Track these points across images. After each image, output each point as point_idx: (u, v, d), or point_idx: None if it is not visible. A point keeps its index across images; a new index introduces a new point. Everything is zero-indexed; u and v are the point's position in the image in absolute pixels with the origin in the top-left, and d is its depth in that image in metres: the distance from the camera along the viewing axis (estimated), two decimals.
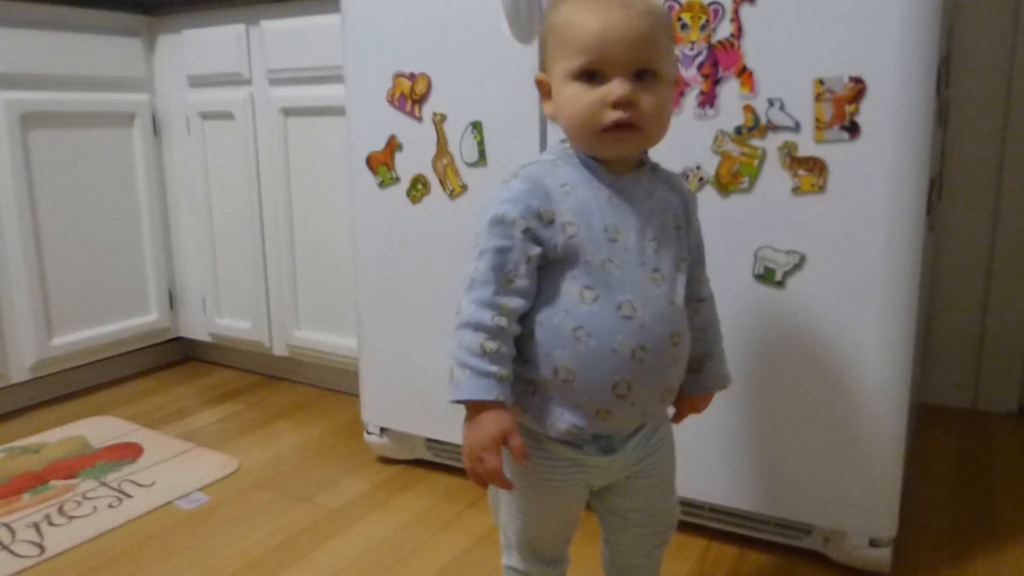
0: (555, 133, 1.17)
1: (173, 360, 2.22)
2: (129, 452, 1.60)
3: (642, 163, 0.83)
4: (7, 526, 1.31)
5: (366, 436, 1.56)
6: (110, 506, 1.38)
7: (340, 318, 1.81)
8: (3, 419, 1.81)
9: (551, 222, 0.76)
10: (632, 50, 0.74)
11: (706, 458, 1.19)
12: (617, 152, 0.78)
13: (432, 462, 1.53)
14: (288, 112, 1.78)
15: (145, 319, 2.03)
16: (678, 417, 0.93)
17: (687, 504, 1.22)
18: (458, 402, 0.76)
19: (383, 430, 1.54)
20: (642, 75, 0.76)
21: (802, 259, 1.08)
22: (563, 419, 0.78)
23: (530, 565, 0.89)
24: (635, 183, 0.80)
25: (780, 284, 1.10)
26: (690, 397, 0.92)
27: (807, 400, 1.11)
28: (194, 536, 1.30)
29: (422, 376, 1.43)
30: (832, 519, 1.14)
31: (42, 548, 1.25)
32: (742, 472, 1.18)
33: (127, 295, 1.99)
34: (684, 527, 1.24)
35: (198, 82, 1.93)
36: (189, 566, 1.21)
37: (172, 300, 2.09)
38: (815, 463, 1.12)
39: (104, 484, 1.46)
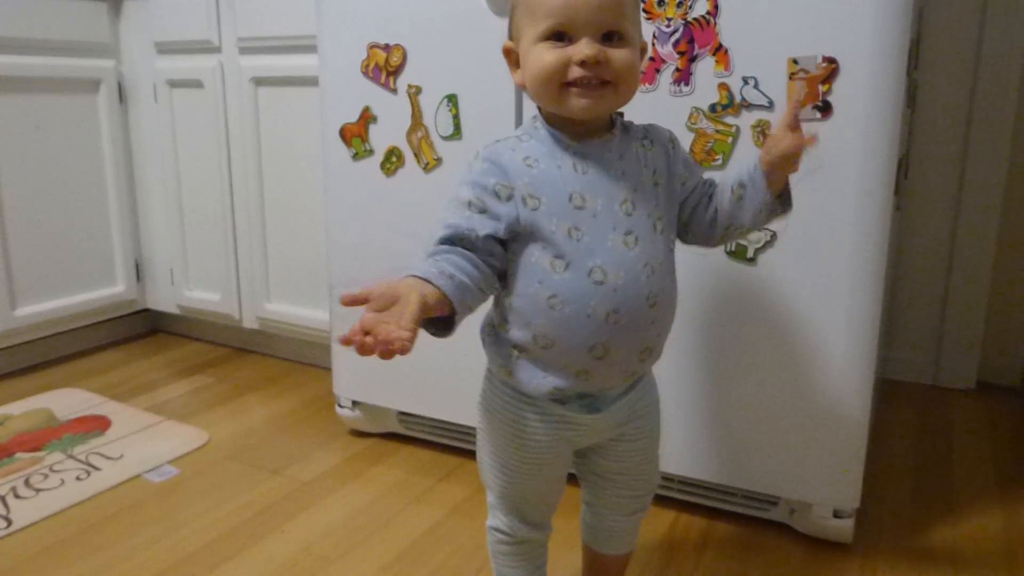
0: (530, 108, 1.17)
1: (140, 332, 2.19)
2: (96, 425, 1.59)
3: (612, 124, 0.82)
4: None
5: (338, 409, 1.56)
6: (78, 479, 1.37)
7: (311, 291, 1.79)
8: None
9: (509, 198, 0.77)
10: (599, 12, 0.75)
11: (676, 431, 1.21)
12: (586, 109, 0.77)
13: (404, 435, 1.54)
14: (259, 82, 1.75)
15: (111, 290, 2.00)
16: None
17: None
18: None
19: (355, 403, 1.54)
20: (609, 37, 0.76)
21: (773, 236, 1.09)
22: (546, 381, 0.80)
23: (514, 525, 0.90)
24: (604, 146, 0.80)
25: (752, 260, 1.11)
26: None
27: (775, 375, 1.13)
28: (163, 509, 1.29)
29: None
30: (798, 491, 1.17)
31: (9, 521, 1.24)
32: (711, 445, 1.20)
33: (93, 265, 1.95)
34: (654, 499, 1.26)
35: (166, 49, 1.88)
36: (159, 539, 1.21)
37: (139, 271, 2.06)
38: (782, 437, 1.15)
39: (71, 457, 1.45)
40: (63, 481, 1.36)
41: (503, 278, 0.81)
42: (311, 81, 1.64)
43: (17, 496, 1.31)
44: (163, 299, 2.07)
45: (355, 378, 1.52)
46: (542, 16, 0.76)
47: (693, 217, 0.87)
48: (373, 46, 1.33)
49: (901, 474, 1.42)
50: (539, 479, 0.88)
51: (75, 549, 1.18)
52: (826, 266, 1.07)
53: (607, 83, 0.76)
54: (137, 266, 2.05)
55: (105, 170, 1.95)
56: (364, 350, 0.66)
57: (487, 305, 0.84)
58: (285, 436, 1.57)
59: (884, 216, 1.04)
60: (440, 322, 0.75)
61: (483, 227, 0.77)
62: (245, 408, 1.71)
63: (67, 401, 1.71)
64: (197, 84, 1.84)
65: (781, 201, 0.85)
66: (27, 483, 1.35)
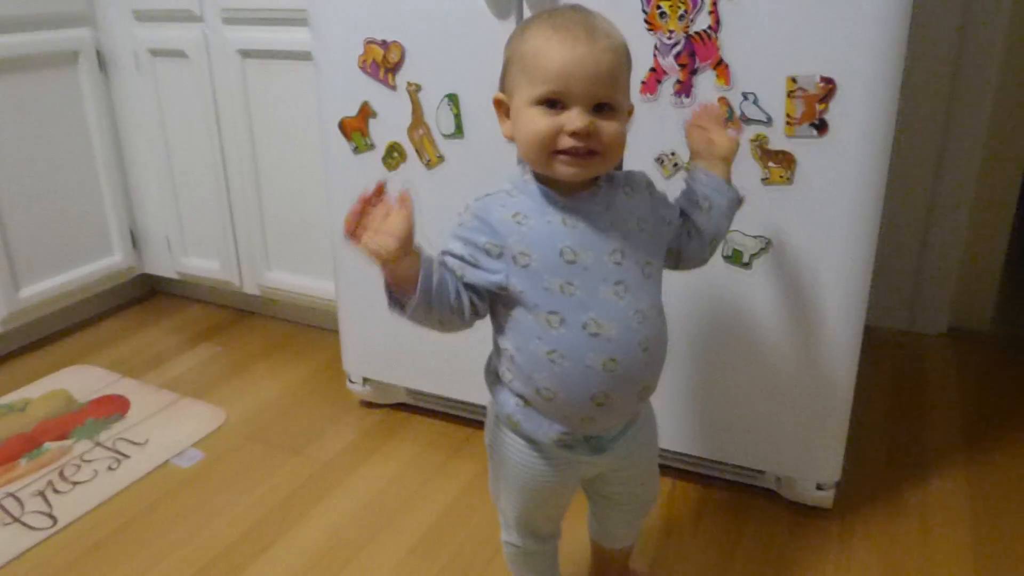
0: None
1: (139, 296, 2.22)
2: (116, 407, 1.65)
3: (596, 178, 0.85)
4: (13, 496, 1.37)
5: (349, 385, 1.64)
6: (110, 468, 1.45)
7: (313, 260, 1.82)
8: None
9: (500, 255, 0.81)
10: (594, 85, 0.78)
11: (674, 412, 1.30)
12: (573, 175, 0.81)
13: (413, 405, 1.63)
14: (246, 54, 1.72)
15: (109, 260, 2.02)
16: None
17: None
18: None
19: (365, 379, 1.61)
20: (600, 107, 0.79)
21: (768, 243, 1.15)
22: (553, 428, 0.86)
23: (527, 541, 0.99)
24: (591, 200, 0.84)
25: (747, 265, 1.18)
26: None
27: (766, 365, 1.22)
28: (197, 497, 1.38)
29: (402, 332, 1.49)
30: (784, 467, 1.28)
31: (54, 519, 1.32)
32: (705, 425, 1.30)
33: (89, 238, 1.96)
34: None
35: (145, 16, 1.83)
36: (198, 530, 1.30)
37: (134, 239, 2.07)
38: (771, 420, 1.25)
39: (99, 445, 1.52)
40: (96, 472, 1.44)
41: (493, 320, 0.86)
42: (301, 55, 1.62)
43: (56, 491, 1.39)
44: (161, 265, 2.09)
45: (365, 356, 1.58)
46: (538, 81, 0.79)
47: (685, 247, 0.92)
48: (370, 42, 1.32)
49: (877, 434, 1.53)
50: (548, 506, 0.96)
51: (119, 545, 1.27)
52: (817, 273, 1.13)
53: (595, 152, 0.79)
54: (132, 235, 2.06)
55: (92, 142, 1.93)
56: (348, 227, 0.75)
57: (488, 346, 0.90)
58: (298, 410, 1.65)
59: (874, 230, 1.10)
60: (394, 294, 0.79)
61: (473, 277, 0.81)
62: (256, 380, 1.78)
63: (82, 380, 1.77)
64: (180, 54, 1.80)
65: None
66: (62, 476, 1.43)
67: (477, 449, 1.49)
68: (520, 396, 0.87)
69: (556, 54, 0.78)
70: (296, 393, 1.72)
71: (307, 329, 2.02)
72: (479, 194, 0.86)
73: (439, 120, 1.31)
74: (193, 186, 1.94)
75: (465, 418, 1.57)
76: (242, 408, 1.66)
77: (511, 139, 0.85)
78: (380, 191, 0.77)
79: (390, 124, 1.36)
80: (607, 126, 0.79)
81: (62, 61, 1.83)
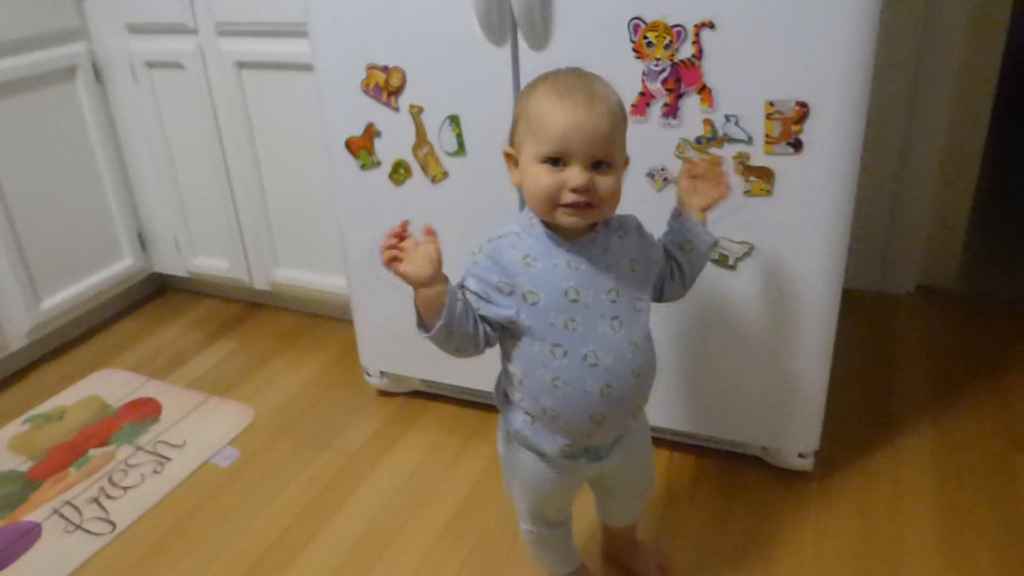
0: None
1: (150, 294, 2.31)
2: (149, 410, 1.77)
3: (595, 223, 0.96)
4: (71, 504, 1.50)
5: (367, 378, 1.76)
6: (155, 472, 1.57)
7: (321, 257, 1.91)
8: (7, 385, 1.91)
9: (511, 293, 0.93)
10: (592, 146, 0.88)
11: (668, 394, 1.44)
12: (574, 224, 0.92)
13: (427, 393, 1.75)
14: (243, 65, 1.78)
15: (121, 264, 2.10)
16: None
17: (653, 429, 1.49)
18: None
19: (382, 373, 1.73)
20: (597, 164, 0.90)
21: (751, 248, 1.27)
22: (556, 441, 1.00)
23: (541, 529, 1.14)
24: (591, 243, 0.95)
25: (732, 268, 1.30)
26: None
27: (751, 352, 1.35)
28: (239, 495, 1.51)
29: (414, 327, 1.60)
30: (769, 440, 1.43)
31: (112, 524, 1.44)
32: (697, 405, 1.44)
33: (100, 244, 2.04)
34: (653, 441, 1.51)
35: (138, 29, 1.87)
36: (246, 526, 1.43)
37: (143, 242, 2.15)
38: (756, 399, 1.39)
39: (141, 449, 1.64)
40: (143, 477, 1.56)
41: (502, 349, 0.98)
42: (298, 66, 1.69)
43: (108, 496, 1.51)
44: (171, 264, 2.17)
45: (380, 351, 1.70)
46: (543, 140, 0.89)
47: (668, 284, 1.05)
48: (372, 67, 1.39)
49: (853, 397, 1.68)
50: (557, 502, 1.10)
51: (176, 545, 1.40)
52: (796, 273, 1.26)
53: (592, 205, 0.90)
54: (140, 237, 2.14)
55: (95, 152, 1.99)
56: (388, 256, 0.88)
57: (497, 367, 1.03)
58: (321, 403, 1.77)
59: (846, 230, 1.22)
60: (422, 318, 0.91)
61: (487, 311, 0.93)
62: (275, 374, 1.89)
63: (111, 384, 1.87)
64: (177, 65, 1.85)
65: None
66: (111, 482, 1.55)
67: (491, 432, 1.60)
68: (528, 414, 1.00)
69: (559, 118, 0.88)
70: (316, 386, 1.84)
71: (318, 320, 2.12)
72: (491, 234, 0.97)
73: (442, 140, 1.40)
74: (197, 189, 2.01)
75: (477, 403, 1.70)
76: (268, 404, 1.78)
77: (518, 187, 0.96)
78: (404, 227, 0.89)
79: (395, 143, 1.44)
80: (604, 181, 0.90)
81: (61, 78, 1.87)
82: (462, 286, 0.95)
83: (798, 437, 1.40)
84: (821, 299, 1.27)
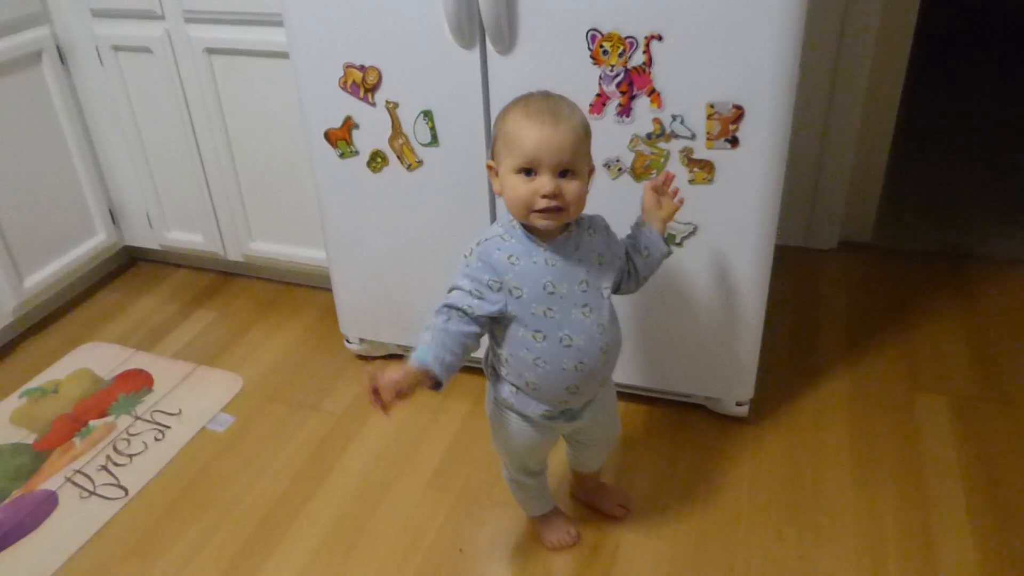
0: None
1: (121, 266, 2.38)
2: (142, 381, 1.88)
3: (567, 224, 1.14)
4: (81, 472, 1.62)
5: (347, 344, 1.91)
6: (156, 439, 1.70)
7: (294, 229, 2.02)
8: None
9: (499, 289, 1.10)
10: (558, 156, 1.05)
11: (626, 354, 1.61)
12: (547, 227, 1.09)
13: (404, 356, 1.90)
14: (213, 51, 1.84)
15: (96, 239, 2.17)
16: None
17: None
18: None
19: (360, 339, 1.88)
20: (564, 173, 1.06)
21: (695, 228, 1.45)
22: (538, 407, 1.19)
23: (523, 477, 1.34)
24: (565, 242, 1.13)
25: (679, 244, 1.48)
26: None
27: (696, 317, 1.55)
28: (240, 458, 1.66)
29: (391, 298, 1.75)
30: (710, 390, 1.64)
31: (124, 489, 1.58)
32: (649, 361, 1.64)
33: (74, 222, 2.11)
34: None
35: (103, 14, 1.91)
36: (250, 486, 1.59)
37: (114, 217, 2.22)
38: (701, 356, 1.59)
39: (139, 419, 1.76)
40: (146, 445, 1.69)
41: (491, 334, 1.16)
42: (270, 54, 1.77)
43: (116, 464, 1.65)
44: (144, 238, 2.25)
45: (359, 319, 1.85)
46: (518, 155, 1.06)
47: (625, 281, 1.23)
48: (349, 66, 1.50)
49: (783, 348, 1.91)
50: (537, 454, 1.30)
51: (188, 506, 1.55)
52: (733, 247, 1.45)
53: (561, 208, 1.07)
54: (112, 213, 2.20)
55: (64, 133, 2.03)
56: (375, 399, 1.04)
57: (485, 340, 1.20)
58: (305, 368, 1.92)
59: (775, 213, 1.41)
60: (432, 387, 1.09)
61: (480, 309, 1.10)
62: (258, 344, 2.02)
63: (100, 357, 1.98)
64: (145, 50, 1.90)
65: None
66: (116, 450, 1.68)
67: (466, 390, 1.80)
68: (514, 385, 1.18)
69: (530, 135, 1.05)
70: (298, 352, 1.98)
71: (292, 288, 2.24)
72: (478, 237, 1.13)
73: (416, 132, 1.53)
74: (168, 167, 2.08)
75: None
76: (254, 371, 1.91)
77: (499, 195, 1.12)
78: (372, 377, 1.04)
79: (372, 134, 1.56)
80: (569, 186, 1.07)
81: (28, 63, 1.91)
82: (456, 288, 1.10)
83: (736, 387, 1.62)
84: (755, 270, 1.47)
